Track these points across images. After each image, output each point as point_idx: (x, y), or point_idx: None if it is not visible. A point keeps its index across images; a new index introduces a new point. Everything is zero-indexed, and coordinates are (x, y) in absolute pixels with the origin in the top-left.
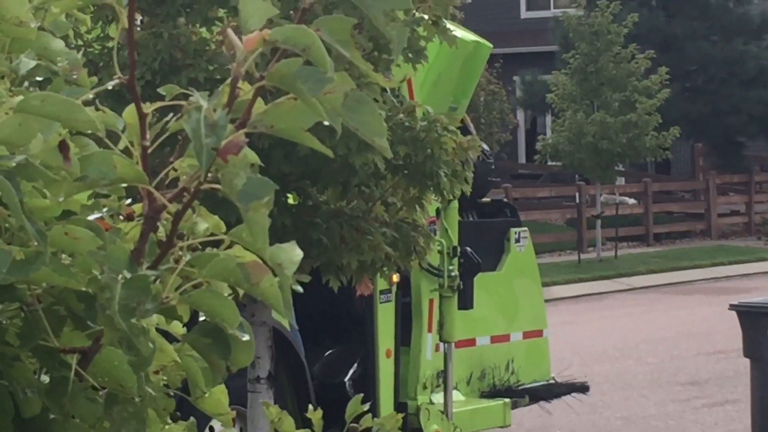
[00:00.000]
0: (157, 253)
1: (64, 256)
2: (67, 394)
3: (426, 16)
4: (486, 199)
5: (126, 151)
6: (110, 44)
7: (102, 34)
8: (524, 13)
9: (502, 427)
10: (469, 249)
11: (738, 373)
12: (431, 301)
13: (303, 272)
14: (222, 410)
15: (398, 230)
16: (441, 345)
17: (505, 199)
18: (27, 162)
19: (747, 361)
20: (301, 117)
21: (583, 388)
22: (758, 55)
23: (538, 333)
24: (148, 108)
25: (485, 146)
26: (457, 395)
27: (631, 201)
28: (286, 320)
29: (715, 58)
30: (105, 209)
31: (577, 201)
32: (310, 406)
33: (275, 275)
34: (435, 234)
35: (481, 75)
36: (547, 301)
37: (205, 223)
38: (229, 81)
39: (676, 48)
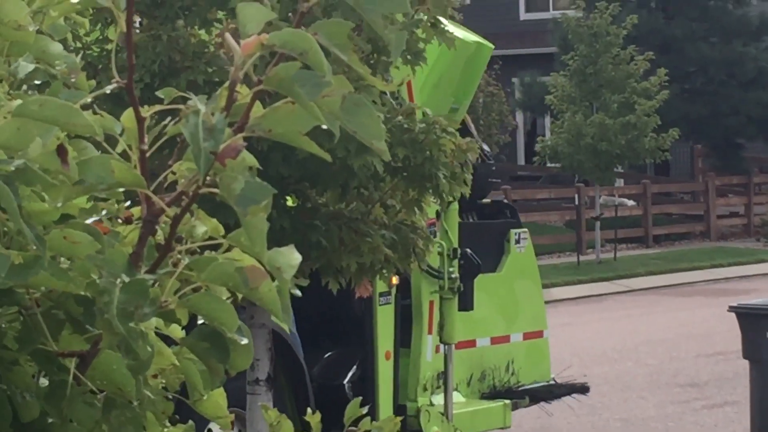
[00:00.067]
0: (156, 256)
1: (62, 260)
2: (65, 398)
3: (425, 18)
4: (486, 201)
5: (124, 155)
6: (109, 47)
7: (101, 37)
8: (523, 15)
9: (502, 428)
10: (469, 250)
11: (737, 375)
12: (431, 303)
13: (302, 274)
14: (221, 413)
15: (397, 232)
16: (441, 346)
17: (505, 201)
18: (25, 166)
19: (746, 363)
20: (299, 121)
21: (583, 389)
22: (757, 57)
23: (539, 334)
24: (146, 112)
25: (486, 147)
26: (457, 396)
27: (630, 202)
28: (285, 323)
29: (714, 59)
30: (104, 212)
31: (576, 203)
32: (309, 410)
33: (274, 279)
34: (435, 236)
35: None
36: (546, 302)
37: (203, 226)
38: (227, 85)
39: (675, 49)
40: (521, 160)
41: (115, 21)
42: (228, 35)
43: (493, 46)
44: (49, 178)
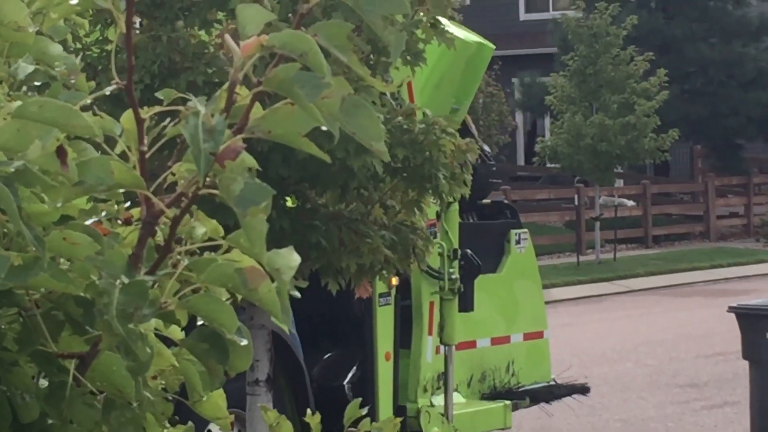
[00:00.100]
0: (155, 257)
1: (62, 261)
2: (65, 399)
3: (424, 19)
4: (486, 201)
5: (124, 156)
6: (109, 47)
7: (101, 37)
8: (523, 15)
9: (502, 429)
10: (469, 251)
11: (737, 375)
12: (431, 304)
13: (302, 275)
14: (220, 414)
15: (397, 233)
16: (441, 347)
17: (506, 201)
18: (25, 167)
19: (746, 363)
20: (299, 122)
21: (583, 390)
22: (757, 57)
23: (539, 334)
24: (146, 113)
25: (486, 148)
26: (457, 397)
27: (630, 203)
28: (285, 324)
29: (714, 60)
30: (103, 213)
31: (576, 203)
32: (309, 411)
33: (273, 280)
34: (435, 237)
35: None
36: (545, 303)
37: (203, 227)
38: (226, 86)
39: (674, 50)
40: (521, 161)
41: (115, 22)
42: (228, 36)
43: (494, 47)
44: (49, 180)
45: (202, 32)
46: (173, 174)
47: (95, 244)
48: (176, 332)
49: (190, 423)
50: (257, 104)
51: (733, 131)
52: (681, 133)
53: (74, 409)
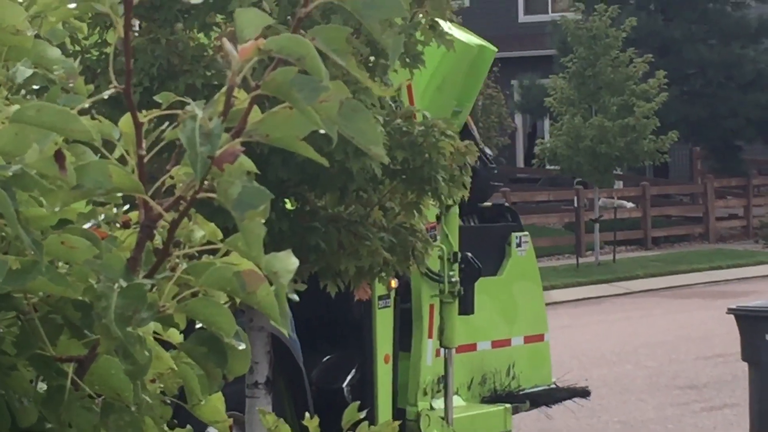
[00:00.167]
0: (154, 261)
1: (60, 264)
2: (63, 403)
3: (423, 21)
4: (487, 204)
5: (122, 160)
6: (108, 50)
7: (99, 40)
8: (522, 17)
9: None
10: (469, 254)
11: (736, 377)
12: (432, 307)
13: (301, 277)
14: (219, 417)
15: (396, 235)
16: (441, 350)
17: (506, 204)
18: (23, 172)
19: (745, 365)
20: (297, 126)
21: (584, 393)
22: (755, 59)
23: (540, 337)
24: (144, 117)
25: (488, 151)
26: (457, 400)
27: (630, 205)
28: (283, 328)
29: (713, 61)
30: (102, 217)
31: (576, 205)
32: (307, 414)
33: (271, 284)
34: (435, 239)
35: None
36: (545, 305)
37: (201, 230)
38: (224, 90)
39: (674, 52)
40: (520, 163)
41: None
42: (226, 40)
43: (496, 49)
44: (47, 184)
45: (201, 35)
46: (172, 177)
47: (93, 247)
48: (175, 336)
49: (188, 426)
50: (255, 108)
51: (733, 133)
52: (680, 135)
53: (73, 412)
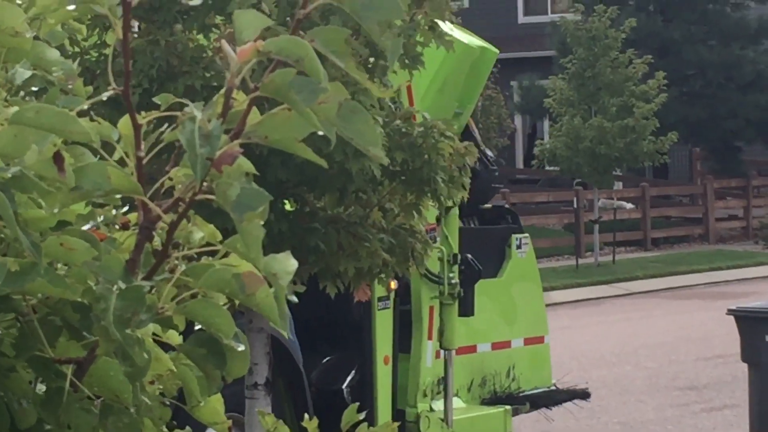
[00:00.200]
0: (153, 263)
1: (59, 266)
2: (62, 405)
3: (422, 22)
4: (487, 206)
5: (121, 161)
6: (107, 51)
7: (99, 41)
8: (522, 18)
9: None
10: (469, 256)
11: (736, 378)
12: (431, 309)
13: (300, 279)
14: (218, 419)
15: (395, 236)
16: (441, 352)
17: (506, 205)
18: (22, 173)
19: (745, 366)
20: (296, 127)
21: (584, 395)
22: (755, 60)
23: (540, 339)
24: (143, 119)
25: (489, 152)
26: (457, 402)
27: (629, 205)
28: (282, 329)
29: (713, 62)
30: (101, 218)
31: (575, 206)
32: (306, 415)
33: (271, 285)
34: (435, 241)
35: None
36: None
37: (200, 232)
38: (223, 91)
39: (673, 52)
40: (520, 164)
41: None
42: (224, 42)
43: (497, 51)
44: (46, 185)
45: (200, 36)
46: (171, 179)
47: (92, 249)
48: (174, 337)
49: (188, 428)
50: (254, 109)
51: (732, 134)
52: (680, 136)
53: (71, 414)
